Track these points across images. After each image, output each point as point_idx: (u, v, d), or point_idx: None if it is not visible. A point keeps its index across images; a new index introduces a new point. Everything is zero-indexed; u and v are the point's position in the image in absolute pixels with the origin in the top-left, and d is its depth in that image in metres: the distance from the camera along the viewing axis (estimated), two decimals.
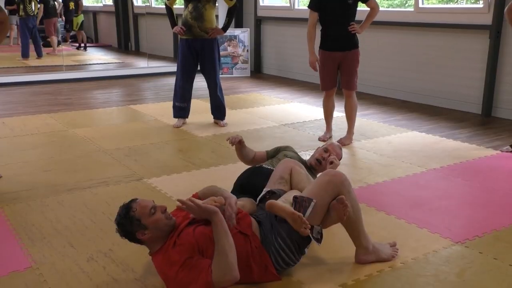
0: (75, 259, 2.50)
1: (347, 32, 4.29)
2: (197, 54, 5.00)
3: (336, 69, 4.47)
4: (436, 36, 6.07)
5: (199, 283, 2.02)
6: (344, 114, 4.68)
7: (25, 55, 9.87)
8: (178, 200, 2.15)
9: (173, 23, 5.02)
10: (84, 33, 12.24)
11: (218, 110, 5.25)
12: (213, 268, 2.03)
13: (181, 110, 5.19)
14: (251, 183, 2.81)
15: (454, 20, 5.84)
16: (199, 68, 5.10)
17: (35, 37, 9.93)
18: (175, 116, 5.22)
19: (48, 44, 10.97)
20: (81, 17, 11.89)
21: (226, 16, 5.03)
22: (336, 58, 4.38)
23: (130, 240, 2.19)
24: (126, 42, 12.49)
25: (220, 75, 5.32)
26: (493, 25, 5.43)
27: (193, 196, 2.38)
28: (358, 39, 4.41)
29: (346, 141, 4.53)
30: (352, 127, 4.60)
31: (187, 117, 5.27)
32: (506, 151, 4.29)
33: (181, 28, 4.90)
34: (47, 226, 2.87)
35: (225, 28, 5.03)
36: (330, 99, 4.60)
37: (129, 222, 2.11)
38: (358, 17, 4.39)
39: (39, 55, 10.04)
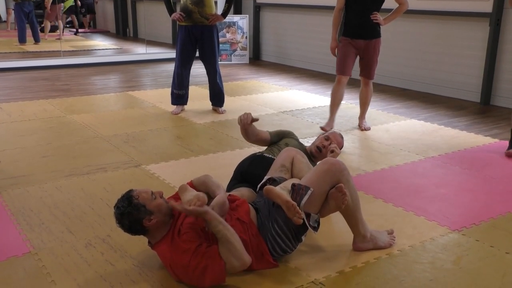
0: (73, 244, 2.51)
1: (372, 21, 4.27)
2: (196, 41, 4.97)
3: (355, 58, 4.47)
4: (436, 23, 6.05)
5: (215, 270, 2.06)
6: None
7: (22, 40, 9.80)
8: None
9: (171, 10, 4.98)
10: (75, 17, 12.19)
11: (217, 97, 5.23)
12: (223, 257, 2.07)
13: (180, 97, 5.17)
14: (251, 172, 2.81)
15: (454, 7, 5.81)
16: (197, 54, 5.08)
17: (32, 22, 9.86)
18: (173, 103, 5.20)
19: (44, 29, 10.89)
20: (70, 1, 11.80)
21: (226, 2, 4.99)
22: (359, 46, 4.37)
23: (133, 231, 2.18)
24: (124, 28, 12.41)
25: (219, 62, 5.30)
26: (493, 13, 5.40)
27: (188, 184, 2.38)
28: (380, 29, 4.40)
29: (366, 126, 4.63)
30: (365, 113, 4.70)
31: (186, 104, 5.26)
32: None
33: (180, 14, 4.86)
34: (45, 211, 2.87)
35: (225, 14, 4.99)
36: (342, 87, 4.52)
37: (136, 209, 2.11)
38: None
39: (37, 40, 9.98)
